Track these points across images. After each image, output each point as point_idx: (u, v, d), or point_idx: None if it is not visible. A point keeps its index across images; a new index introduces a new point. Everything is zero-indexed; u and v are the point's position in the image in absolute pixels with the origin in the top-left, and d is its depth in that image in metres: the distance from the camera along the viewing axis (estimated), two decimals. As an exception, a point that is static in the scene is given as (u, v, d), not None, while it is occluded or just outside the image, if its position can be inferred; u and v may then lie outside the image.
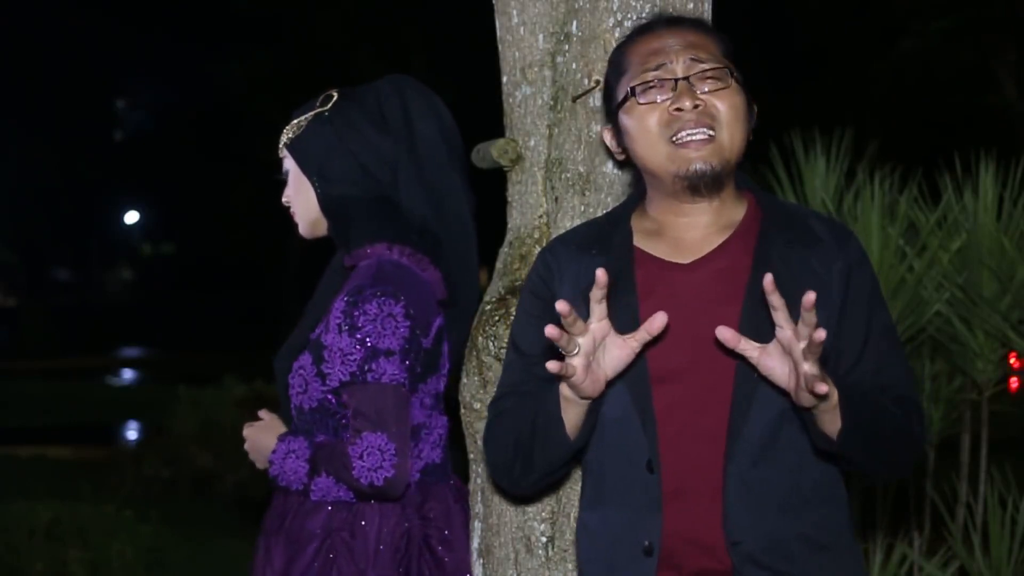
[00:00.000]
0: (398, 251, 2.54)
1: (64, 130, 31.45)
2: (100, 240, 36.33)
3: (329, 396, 2.47)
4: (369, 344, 2.41)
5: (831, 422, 1.88)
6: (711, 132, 1.97)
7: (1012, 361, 4.38)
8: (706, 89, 1.98)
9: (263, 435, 2.58)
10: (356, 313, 2.42)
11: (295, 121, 2.62)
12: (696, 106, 1.97)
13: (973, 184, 4.35)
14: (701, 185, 1.99)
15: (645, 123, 2.00)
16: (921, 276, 4.15)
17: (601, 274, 1.82)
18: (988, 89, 16.74)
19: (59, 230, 34.19)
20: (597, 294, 1.83)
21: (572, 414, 1.94)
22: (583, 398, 1.91)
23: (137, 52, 31.34)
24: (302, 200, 2.62)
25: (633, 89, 2.01)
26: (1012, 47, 16.26)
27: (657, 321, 1.82)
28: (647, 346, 1.93)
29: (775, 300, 1.79)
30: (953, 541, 4.20)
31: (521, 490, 2.18)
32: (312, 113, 2.60)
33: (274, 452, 2.52)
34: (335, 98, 2.60)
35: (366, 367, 2.41)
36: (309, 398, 2.51)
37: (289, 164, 2.63)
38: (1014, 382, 4.58)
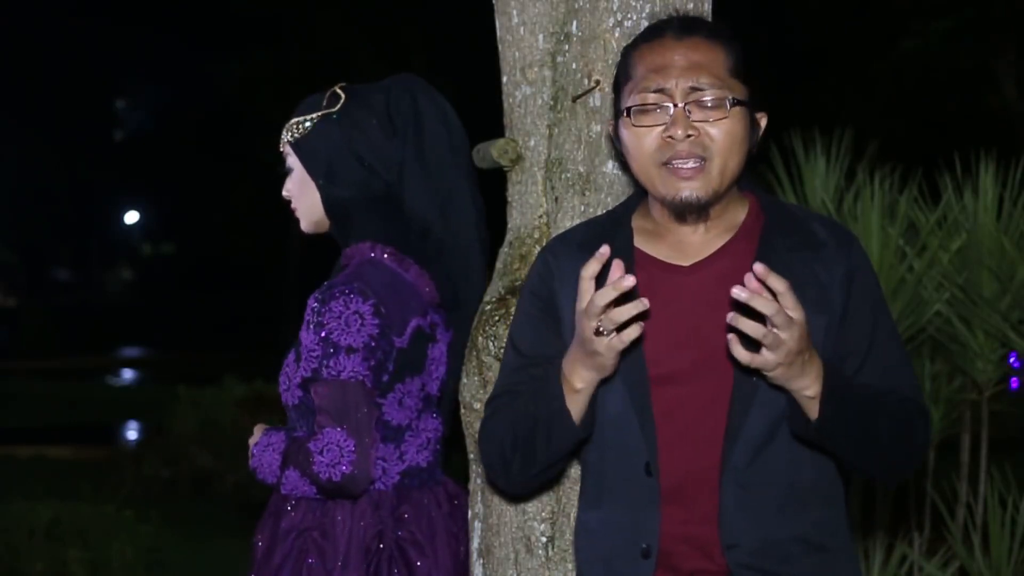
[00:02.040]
0: (380, 250, 2.54)
1: (64, 130, 31.44)
2: (100, 240, 36.32)
3: (306, 394, 2.48)
4: (331, 340, 2.41)
5: (811, 409, 1.88)
6: (702, 160, 1.96)
7: (1012, 361, 4.39)
8: (703, 117, 1.96)
9: (258, 432, 2.59)
10: (323, 310, 2.43)
11: (301, 118, 2.60)
12: (689, 135, 1.95)
13: (973, 184, 4.35)
14: (687, 213, 2.00)
15: (639, 145, 1.99)
16: (921, 276, 4.16)
17: (606, 250, 1.83)
18: (988, 89, 16.74)
19: (59, 230, 34.18)
20: (594, 266, 1.83)
21: (578, 403, 1.94)
22: (600, 373, 1.91)
23: (137, 52, 31.32)
24: (306, 200, 2.61)
25: (629, 110, 2.00)
26: (1012, 47, 16.25)
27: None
28: (647, 348, 1.94)
29: (774, 283, 1.78)
30: (953, 541, 4.20)
31: (516, 488, 2.18)
32: (319, 114, 2.59)
33: (256, 445, 2.54)
34: (343, 99, 2.59)
35: (324, 363, 2.42)
36: (292, 395, 2.52)
37: (293, 162, 2.62)
38: (1014, 382, 4.58)
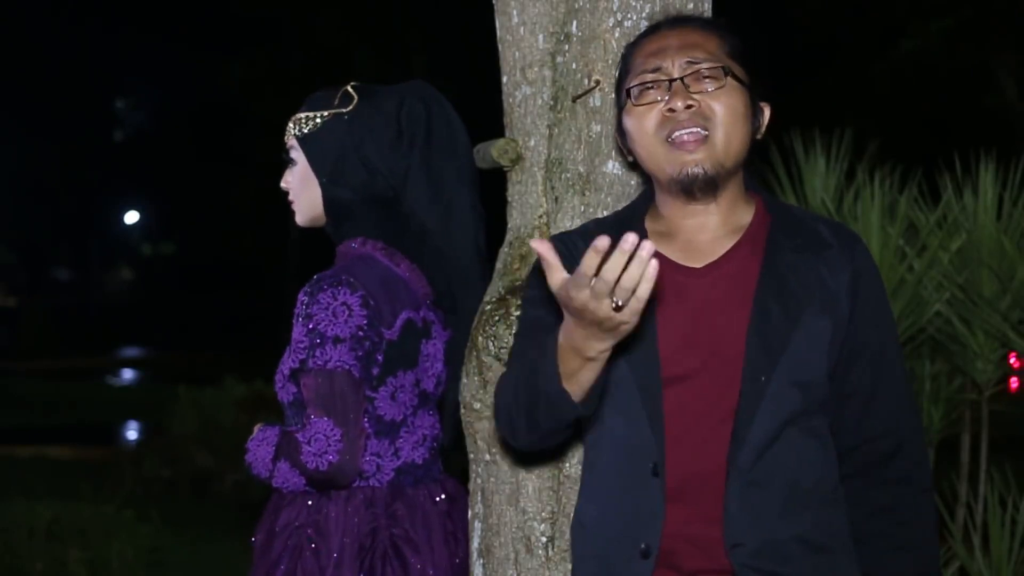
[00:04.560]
0: (371, 245, 2.55)
1: (64, 130, 31.43)
2: (100, 240, 36.32)
3: (300, 389, 2.49)
4: (318, 331, 2.42)
5: None
6: (704, 132, 1.97)
7: (1012, 361, 4.38)
8: (702, 89, 1.98)
9: (256, 431, 2.60)
10: (311, 302, 2.44)
11: (311, 114, 2.59)
12: (689, 106, 1.97)
13: (973, 184, 4.35)
14: (694, 188, 1.99)
15: (642, 124, 2.01)
16: (921, 276, 4.16)
17: (606, 242, 1.65)
18: (988, 89, 16.75)
19: (59, 230, 34.19)
20: (601, 243, 1.65)
21: (592, 371, 1.80)
22: (619, 338, 1.75)
23: (137, 52, 31.32)
24: (306, 195, 2.62)
25: (629, 91, 2.02)
26: (1012, 47, 16.26)
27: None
28: (660, 349, 1.94)
29: None
30: (953, 541, 4.20)
31: (525, 448, 2.10)
32: (330, 112, 2.58)
33: (251, 440, 2.54)
34: (355, 100, 2.59)
35: (311, 353, 2.42)
36: (286, 392, 2.53)
37: (297, 156, 2.62)
38: (1014, 382, 4.58)
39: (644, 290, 1.64)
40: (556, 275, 1.69)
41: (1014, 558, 4.04)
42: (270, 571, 2.51)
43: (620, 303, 1.66)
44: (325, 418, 2.41)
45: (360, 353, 2.43)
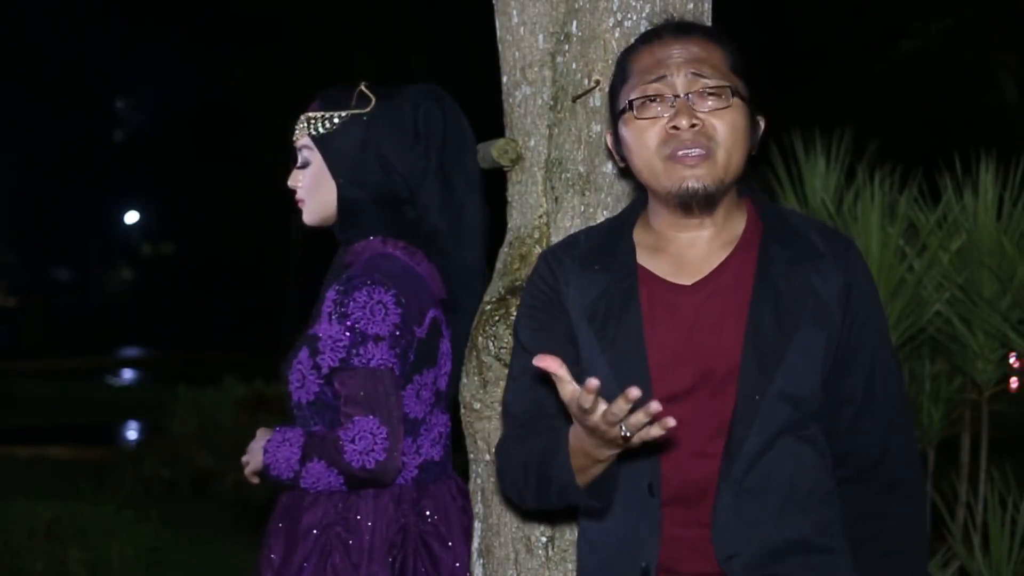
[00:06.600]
0: (391, 244, 2.56)
1: (64, 130, 31.43)
2: (100, 240, 36.31)
3: (325, 388, 2.48)
4: (358, 329, 2.42)
5: None
6: (707, 151, 1.94)
7: (1012, 361, 4.38)
8: (706, 107, 1.95)
9: (261, 435, 2.59)
10: (346, 301, 2.44)
11: (327, 114, 2.58)
12: (694, 125, 1.94)
13: (973, 184, 4.35)
14: (693, 203, 1.96)
15: (642, 138, 1.97)
16: (921, 276, 4.16)
17: (595, 383, 1.69)
18: (988, 89, 16.75)
19: (59, 230, 34.17)
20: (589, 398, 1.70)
21: (601, 468, 1.85)
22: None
23: (137, 52, 31.30)
24: (320, 196, 2.61)
25: (631, 103, 1.98)
26: (1012, 47, 16.26)
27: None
28: (651, 367, 1.94)
29: None
30: (953, 541, 4.20)
31: (529, 508, 2.14)
32: (349, 113, 2.58)
33: (269, 441, 2.53)
34: (374, 101, 2.59)
35: (354, 352, 2.42)
36: (307, 392, 2.52)
37: (312, 156, 2.60)
38: (1014, 382, 4.58)
39: (655, 432, 1.69)
40: (566, 388, 1.72)
41: (1014, 558, 4.04)
42: (297, 573, 2.50)
43: (630, 435, 1.70)
44: (370, 416, 2.40)
45: (398, 351, 2.44)
